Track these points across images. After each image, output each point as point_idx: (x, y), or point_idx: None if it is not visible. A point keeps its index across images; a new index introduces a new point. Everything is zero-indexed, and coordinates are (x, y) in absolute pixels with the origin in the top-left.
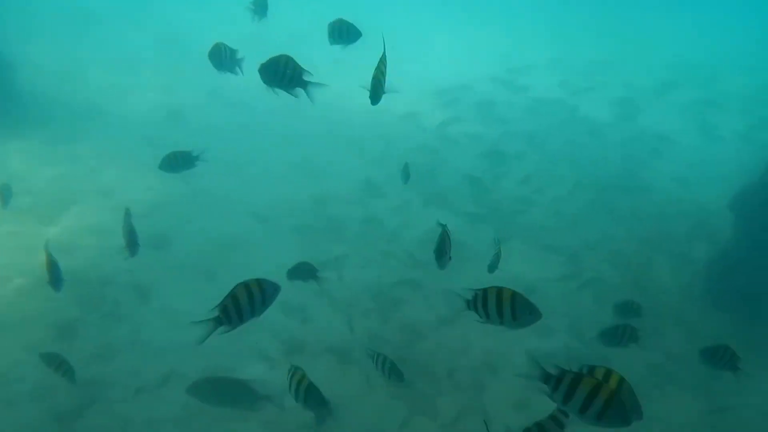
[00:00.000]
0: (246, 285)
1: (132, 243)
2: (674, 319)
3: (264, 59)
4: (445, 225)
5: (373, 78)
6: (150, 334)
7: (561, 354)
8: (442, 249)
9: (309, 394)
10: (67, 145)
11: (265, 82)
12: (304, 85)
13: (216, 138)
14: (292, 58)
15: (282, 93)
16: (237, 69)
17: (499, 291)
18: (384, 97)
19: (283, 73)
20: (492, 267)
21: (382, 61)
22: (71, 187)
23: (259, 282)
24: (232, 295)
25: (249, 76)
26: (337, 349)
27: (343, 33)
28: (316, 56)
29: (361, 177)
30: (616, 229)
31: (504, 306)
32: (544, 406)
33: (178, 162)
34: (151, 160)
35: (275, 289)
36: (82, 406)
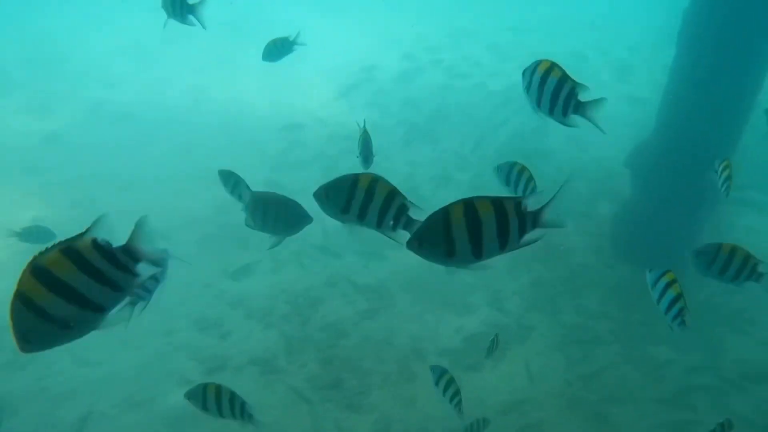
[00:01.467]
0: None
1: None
2: (588, 280)
3: None
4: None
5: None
6: (59, 377)
7: (486, 328)
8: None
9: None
10: None
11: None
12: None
13: (102, 155)
14: None
15: None
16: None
17: None
18: (285, 92)
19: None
20: None
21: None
22: None
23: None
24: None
25: (134, 88)
26: (260, 360)
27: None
28: (204, 56)
29: (262, 178)
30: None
31: None
32: (476, 384)
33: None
34: (31, 188)
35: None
36: None
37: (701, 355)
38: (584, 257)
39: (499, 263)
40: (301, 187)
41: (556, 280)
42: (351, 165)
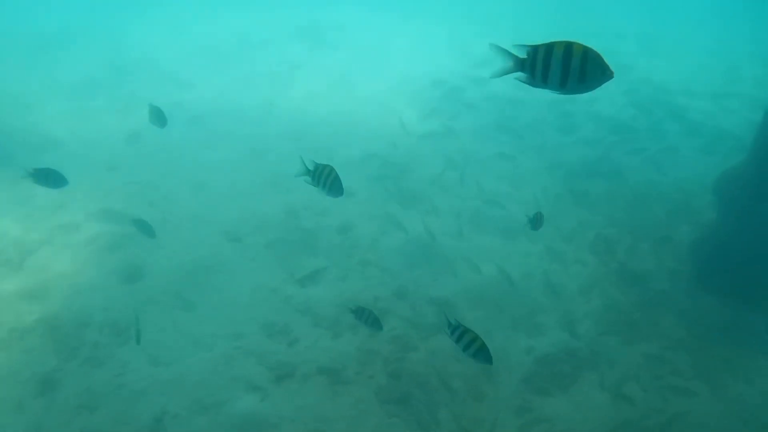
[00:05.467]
0: None
1: None
2: (665, 307)
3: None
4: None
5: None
6: (134, 375)
7: (556, 351)
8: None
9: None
10: (28, 182)
11: None
12: None
13: (178, 156)
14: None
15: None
16: None
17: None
18: (353, 98)
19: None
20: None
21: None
22: (36, 226)
23: None
24: None
25: (209, 91)
26: (328, 369)
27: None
28: (274, 62)
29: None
30: (595, 216)
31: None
32: (546, 409)
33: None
34: (113, 186)
35: None
36: None
37: None
38: (661, 283)
39: (570, 284)
40: (366, 191)
41: (630, 306)
42: (419, 177)
